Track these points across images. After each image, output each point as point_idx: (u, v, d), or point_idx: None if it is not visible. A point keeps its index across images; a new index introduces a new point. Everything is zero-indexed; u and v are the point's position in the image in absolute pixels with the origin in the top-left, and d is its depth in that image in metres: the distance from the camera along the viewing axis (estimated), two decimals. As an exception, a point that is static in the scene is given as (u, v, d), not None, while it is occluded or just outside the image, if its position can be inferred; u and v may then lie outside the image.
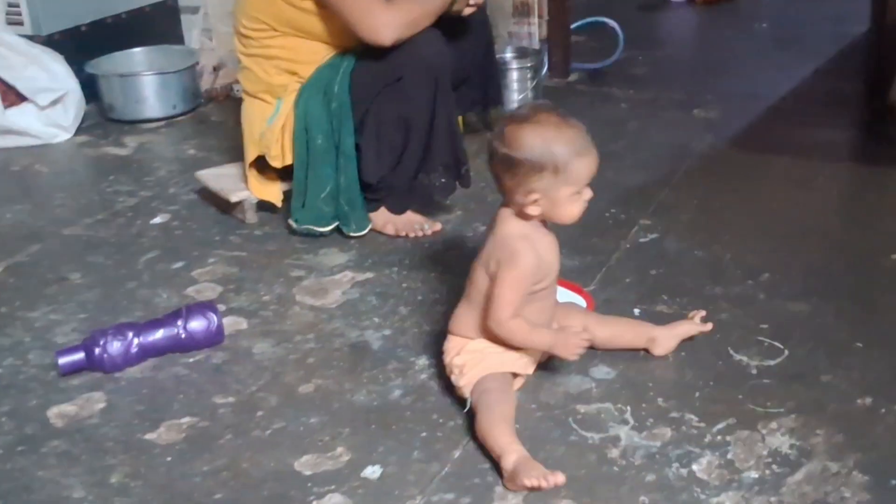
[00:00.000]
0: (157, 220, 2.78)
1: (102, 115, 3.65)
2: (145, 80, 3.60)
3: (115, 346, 2.02)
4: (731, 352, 2.00)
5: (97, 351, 2.01)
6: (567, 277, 2.18)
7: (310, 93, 2.47)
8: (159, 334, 2.06)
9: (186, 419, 1.87)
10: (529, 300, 1.80)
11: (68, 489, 1.70)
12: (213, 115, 3.70)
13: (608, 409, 1.84)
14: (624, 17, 4.10)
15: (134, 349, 2.03)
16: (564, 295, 2.07)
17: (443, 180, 2.55)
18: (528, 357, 1.88)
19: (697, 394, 1.87)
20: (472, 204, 2.73)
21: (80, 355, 2.02)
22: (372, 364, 2.03)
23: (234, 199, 2.68)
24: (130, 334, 2.04)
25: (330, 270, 2.43)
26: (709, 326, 2.03)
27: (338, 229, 2.56)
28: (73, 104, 3.48)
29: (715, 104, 3.51)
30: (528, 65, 3.25)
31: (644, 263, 2.38)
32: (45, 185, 3.14)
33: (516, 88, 3.24)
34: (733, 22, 4.74)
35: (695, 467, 1.67)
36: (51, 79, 3.43)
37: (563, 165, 1.71)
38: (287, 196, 2.63)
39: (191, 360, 2.07)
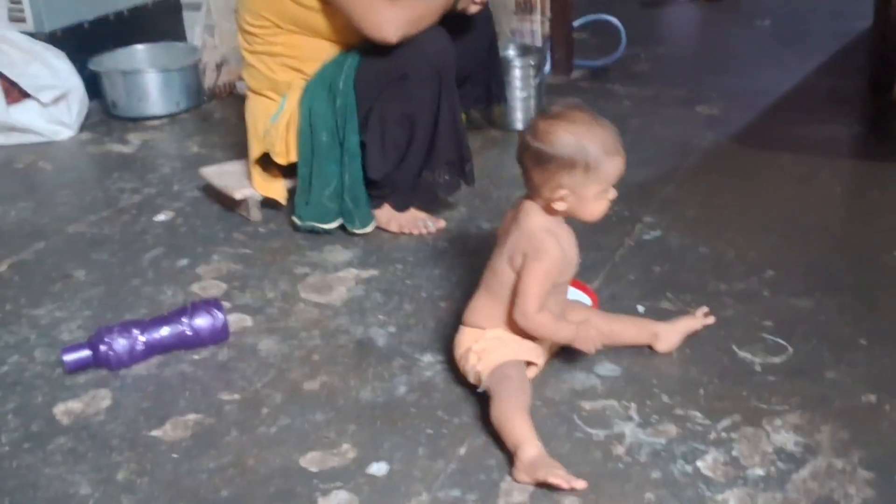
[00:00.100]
0: (162, 217, 2.78)
1: (105, 112, 3.66)
2: (149, 77, 3.60)
3: (120, 344, 2.02)
4: (736, 349, 2.00)
5: (103, 348, 2.01)
6: (571, 274, 2.19)
7: (314, 90, 2.47)
8: (165, 331, 2.06)
9: (192, 416, 1.88)
10: (550, 293, 1.82)
11: (75, 486, 1.70)
12: (217, 112, 3.70)
13: (613, 405, 1.84)
14: (626, 14, 4.10)
15: (140, 346, 2.04)
16: (570, 293, 2.07)
17: (447, 177, 2.55)
18: (542, 348, 1.90)
19: (702, 391, 1.88)
20: (475, 201, 2.73)
21: (86, 352, 2.02)
22: (377, 361, 2.03)
23: (238, 196, 2.68)
24: (136, 331, 2.04)
25: (334, 267, 2.44)
26: (711, 319, 2.04)
27: (342, 226, 2.57)
28: (77, 101, 3.48)
29: (717, 101, 3.52)
30: (531, 62, 3.25)
31: (648, 260, 2.39)
32: (48, 182, 3.14)
33: (519, 86, 3.24)
34: (735, 19, 4.74)
35: (700, 464, 1.68)
36: (53, 76, 3.43)
37: (594, 164, 1.73)
38: (291, 193, 2.64)
39: (196, 357, 2.07)
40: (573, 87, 3.77)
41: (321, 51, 2.49)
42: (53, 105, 3.42)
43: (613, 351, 1.98)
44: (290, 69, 2.52)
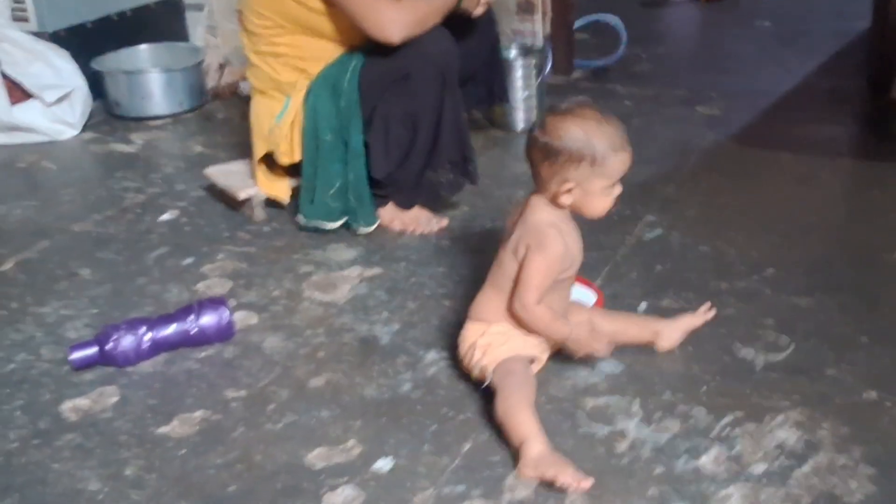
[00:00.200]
0: (166, 216, 2.80)
1: (108, 112, 3.67)
2: (152, 76, 3.61)
3: (127, 341, 2.04)
4: (738, 346, 2.02)
5: (110, 346, 2.03)
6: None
7: (319, 90, 2.48)
8: (171, 329, 2.08)
9: (199, 413, 1.89)
10: (552, 288, 1.84)
11: (83, 482, 1.72)
12: (220, 112, 3.72)
13: (616, 402, 1.86)
14: (626, 14, 4.11)
15: (146, 344, 2.05)
16: (576, 290, 2.08)
17: (450, 176, 2.57)
18: (546, 344, 1.92)
19: (704, 387, 1.89)
20: (478, 200, 2.75)
21: (93, 350, 2.03)
22: (381, 358, 2.05)
23: (242, 195, 2.70)
24: (142, 329, 2.06)
25: (338, 266, 2.45)
26: (713, 314, 2.05)
27: (346, 225, 2.58)
28: (80, 101, 3.50)
29: (718, 101, 3.53)
30: (532, 62, 3.27)
31: (649, 259, 2.40)
32: (52, 181, 3.15)
33: (520, 86, 3.25)
34: (735, 19, 4.76)
35: (703, 460, 1.69)
36: (57, 75, 3.45)
37: (600, 158, 1.76)
38: (295, 192, 2.66)
39: (202, 354, 2.09)
40: (574, 87, 3.79)
41: (325, 51, 2.50)
42: (57, 105, 3.43)
43: (616, 348, 2.00)
44: (294, 69, 2.53)
